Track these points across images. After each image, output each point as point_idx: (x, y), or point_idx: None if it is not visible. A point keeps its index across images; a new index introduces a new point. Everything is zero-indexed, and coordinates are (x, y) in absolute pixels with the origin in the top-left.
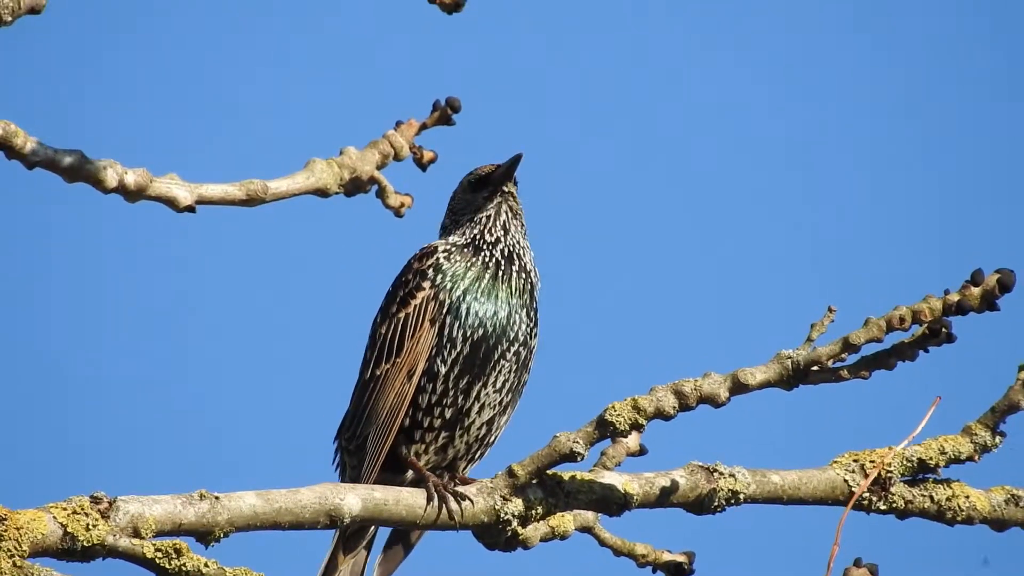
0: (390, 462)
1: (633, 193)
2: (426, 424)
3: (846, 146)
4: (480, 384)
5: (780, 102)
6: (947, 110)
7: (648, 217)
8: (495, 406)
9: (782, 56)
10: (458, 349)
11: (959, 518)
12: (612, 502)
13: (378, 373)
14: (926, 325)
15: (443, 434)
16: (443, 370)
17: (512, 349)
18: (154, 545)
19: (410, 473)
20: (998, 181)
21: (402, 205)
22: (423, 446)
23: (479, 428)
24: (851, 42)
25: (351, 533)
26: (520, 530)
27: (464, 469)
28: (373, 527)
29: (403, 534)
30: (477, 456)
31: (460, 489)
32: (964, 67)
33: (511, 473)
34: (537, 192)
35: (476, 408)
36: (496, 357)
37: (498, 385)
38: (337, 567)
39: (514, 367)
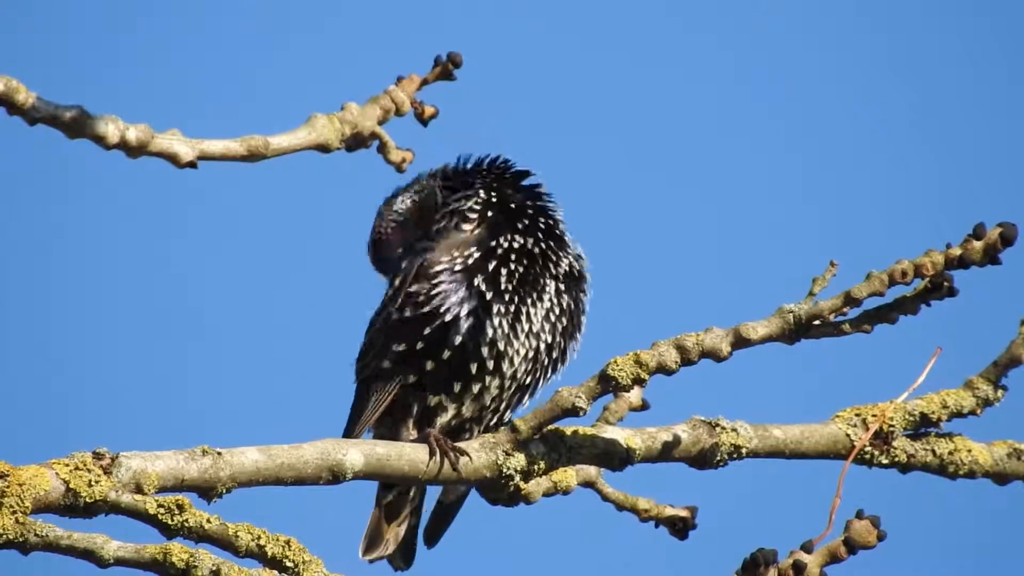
0: (400, 410)
1: (630, 144)
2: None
3: (849, 100)
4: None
5: (778, 56)
6: (946, 66)
7: (647, 169)
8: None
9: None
10: None
11: (961, 472)
12: (614, 456)
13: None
14: (928, 279)
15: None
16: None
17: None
18: (157, 501)
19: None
20: (999, 134)
21: (403, 160)
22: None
23: (509, 379)
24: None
25: (389, 501)
26: (522, 485)
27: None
28: (414, 491)
29: (443, 512)
30: (516, 403)
31: (460, 444)
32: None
33: (513, 428)
34: (533, 143)
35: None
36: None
37: (535, 329)
38: (382, 536)
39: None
